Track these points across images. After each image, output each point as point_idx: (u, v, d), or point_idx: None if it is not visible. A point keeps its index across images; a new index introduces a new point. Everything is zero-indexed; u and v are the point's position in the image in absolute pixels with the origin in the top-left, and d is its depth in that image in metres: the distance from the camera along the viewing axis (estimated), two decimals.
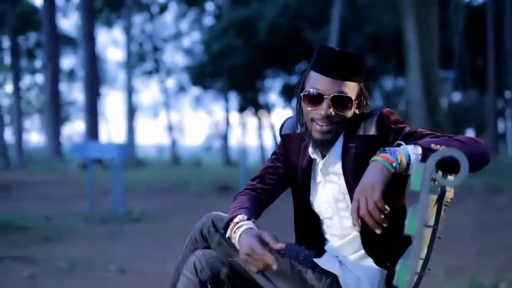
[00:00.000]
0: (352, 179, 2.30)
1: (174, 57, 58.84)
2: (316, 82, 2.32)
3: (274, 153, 2.66)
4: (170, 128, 45.74)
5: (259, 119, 40.85)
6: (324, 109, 2.28)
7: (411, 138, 2.22)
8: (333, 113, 2.29)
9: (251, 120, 46.61)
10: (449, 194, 2.23)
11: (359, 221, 2.02)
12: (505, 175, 14.49)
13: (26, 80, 44.53)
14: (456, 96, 34.38)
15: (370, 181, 2.01)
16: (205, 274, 2.40)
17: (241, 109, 38.53)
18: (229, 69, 31.07)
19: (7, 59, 36.83)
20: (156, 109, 51.42)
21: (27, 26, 34.92)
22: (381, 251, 2.34)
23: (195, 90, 42.49)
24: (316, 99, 2.30)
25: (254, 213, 2.47)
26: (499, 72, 26.72)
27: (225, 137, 41.82)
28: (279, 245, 2.19)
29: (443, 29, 26.91)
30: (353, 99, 2.32)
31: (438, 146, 2.02)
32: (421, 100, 17.97)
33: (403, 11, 18.93)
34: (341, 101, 2.29)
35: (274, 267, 2.18)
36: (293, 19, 28.92)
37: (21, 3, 34.10)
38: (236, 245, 2.31)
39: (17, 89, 32.64)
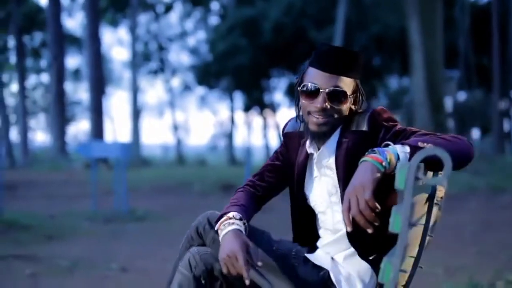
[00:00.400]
0: (342, 173, 2.35)
1: (179, 56, 58.85)
2: (314, 77, 2.40)
3: (275, 152, 2.73)
4: (175, 128, 45.77)
5: (264, 118, 40.88)
6: (320, 102, 2.36)
7: (400, 135, 2.27)
8: (328, 106, 2.36)
9: (256, 119, 46.60)
10: (440, 193, 2.25)
11: (351, 220, 2.04)
12: (509, 175, 14.47)
13: (31, 80, 44.70)
14: (462, 96, 34.32)
15: (360, 181, 2.04)
16: (199, 269, 2.44)
17: (246, 109, 38.57)
18: (234, 69, 31.10)
19: (13, 59, 36.92)
20: (161, 109, 51.53)
21: (32, 25, 35.03)
22: (370, 248, 2.35)
23: (200, 90, 42.56)
24: (312, 93, 2.39)
25: (250, 210, 2.53)
26: (504, 71, 26.68)
27: (230, 137, 41.86)
28: (259, 263, 2.31)
29: (448, 28, 26.85)
30: (348, 94, 2.40)
31: (425, 144, 2.04)
32: (425, 99, 17.97)
33: (407, 11, 18.94)
34: (336, 95, 2.37)
35: (247, 282, 2.27)
36: (297, 19, 28.92)
37: (26, 3, 34.20)
38: (220, 238, 2.38)
39: (22, 88, 32.74)
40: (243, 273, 2.26)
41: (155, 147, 54.26)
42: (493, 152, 23.93)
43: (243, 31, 30.29)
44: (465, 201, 10.82)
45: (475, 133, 35.70)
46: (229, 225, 2.39)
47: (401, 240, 1.65)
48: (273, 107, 38.30)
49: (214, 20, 41.42)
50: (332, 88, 2.36)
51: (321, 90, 2.37)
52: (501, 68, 25.84)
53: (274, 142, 41.96)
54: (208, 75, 34.08)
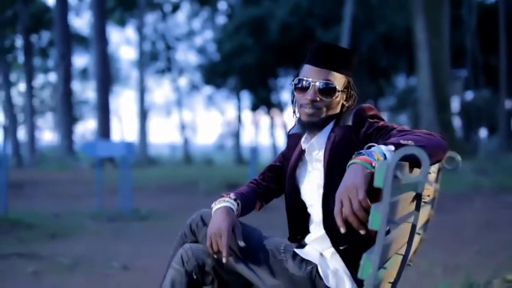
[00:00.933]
0: (326, 165, 2.42)
1: (186, 56, 59.01)
2: (306, 72, 2.51)
3: (280, 153, 2.86)
4: (183, 127, 45.85)
5: (272, 118, 40.93)
6: (310, 94, 2.46)
7: (382, 131, 2.30)
8: (318, 99, 2.46)
9: (263, 119, 46.72)
10: (427, 191, 2.26)
11: (343, 222, 2.02)
12: None
13: (39, 79, 44.88)
14: (469, 95, 34.27)
15: (352, 182, 2.02)
16: (191, 264, 2.53)
17: (254, 108, 38.62)
18: (241, 68, 31.16)
19: (21, 58, 37.06)
20: (168, 108, 51.65)
21: (40, 25, 35.15)
22: (343, 238, 2.33)
23: (208, 89, 42.64)
24: (304, 87, 2.49)
25: (248, 199, 2.66)
26: (511, 71, 26.62)
27: (237, 136, 41.92)
28: (242, 244, 2.44)
29: (456, 28, 26.82)
30: (337, 89, 2.48)
31: (407, 141, 2.06)
32: (430, 98, 17.95)
33: (413, 10, 18.93)
34: (326, 88, 2.47)
35: (224, 260, 2.41)
36: (304, 18, 28.95)
37: (34, 2, 34.31)
38: (212, 211, 2.54)
39: (30, 87, 32.88)
40: (223, 251, 2.41)
41: (162, 146, 54.39)
42: (499, 151, 23.89)
43: (250, 30, 30.34)
44: (469, 200, 10.82)
45: (483, 132, 35.63)
46: (223, 202, 2.54)
47: (379, 237, 1.66)
48: (280, 107, 38.35)
49: (221, 19, 41.51)
50: (322, 81, 2.46)
51: (311, 84, 2.46)
52: (508, 67, 25.79)
53: (281, 141, 42.05)
54: (215, 74, 34.15)
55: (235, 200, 2.57)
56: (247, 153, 42.55)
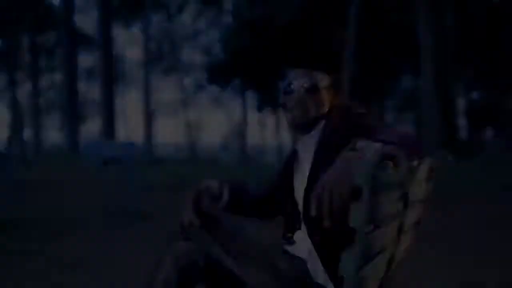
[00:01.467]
0: (313, 160, 2.48)
1: (192, 56, 59.03)
2: (291, 76, 2.59)
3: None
4: (189, 127, 45.90)
5: (278, 117, 40.96)
6: (295, 96, 2.55)
7: (365, 128, 2.33)
8: (303, 99, 2.54)
9: (270, 118, 46.74)
10: (416, 190, 2.29)
11: (316, 207, 2.00)
12: None
13: (45, 79, 44.93)
14: (475, 95, 34.21)
15: (339, 173, 1.97)
16: (183, 261, 2.56)
17: (260, 108, 38.63)
18: (246, 68, 31.16)
19: (27, 58, 37.14)
20: (175, 108, 51.71)
21: (46, 25, 35.23)
22: (318, 230, 2.38)
23: (214, 89, 42.68)
24: (291, 90, 2.58)
25: (239, 186, 2.86)
26: None
27: (243, 136, 41.94)
28: (206, 208, 2.62)
29: (462, 27, 26.78)
30: (321, 87, 2.55)
31: (391, 139, 2.08)
32: (435, 98, 17.93)
33: (417, 10, 18.94)
34: (309, 87, 2.55)
35: (185, 222, 2.62)
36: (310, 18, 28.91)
37: (40, 2, 34.38)
38: None
39: (35, 87, 32.97)
40: (185, 219, 2.60)
41: (168, 145, 54.38)
42: (504, 151, 23.85)
43: (256, 30, 30.34)
44: (471, 199, 10.82)
45: (488, 132, 35.56)
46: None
47: (359, 235, 1.71)
48: None
49: (226, 19, 41.53)
50: (305, 81, 2.54)
51: (296, 85, 2.55)
52: None
53: (287, 141, 42.06)
54: (220, 74, 34.17)
55: (216, 181, 2.76)
56: (253, 153, 42.61)
